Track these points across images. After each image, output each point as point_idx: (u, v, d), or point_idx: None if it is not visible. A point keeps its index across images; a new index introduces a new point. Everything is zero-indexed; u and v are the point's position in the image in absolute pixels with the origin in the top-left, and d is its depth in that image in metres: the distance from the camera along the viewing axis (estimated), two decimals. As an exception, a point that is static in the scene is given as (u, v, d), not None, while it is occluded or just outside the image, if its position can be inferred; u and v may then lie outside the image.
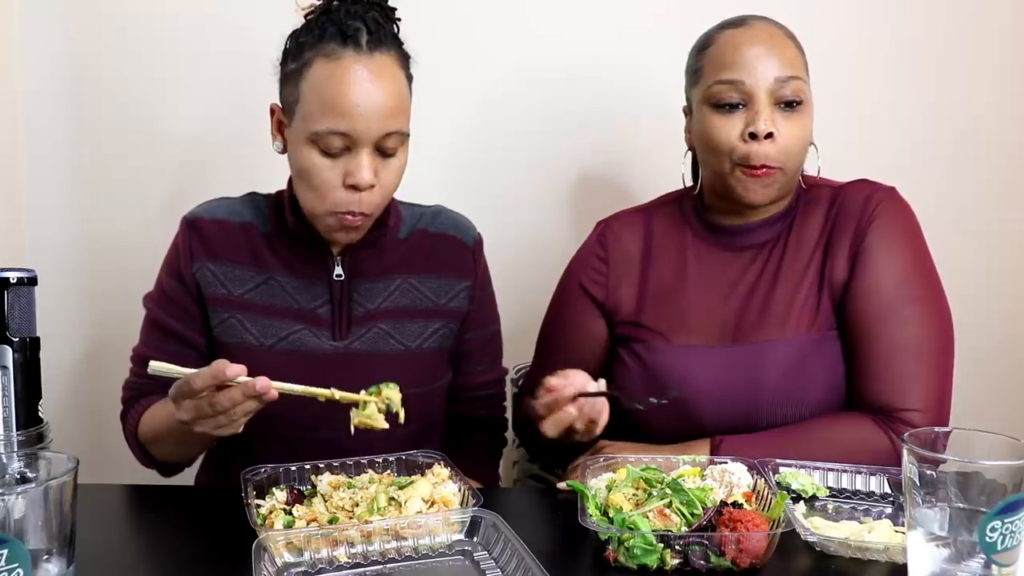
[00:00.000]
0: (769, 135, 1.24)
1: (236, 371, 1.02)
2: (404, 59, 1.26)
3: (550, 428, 1.18)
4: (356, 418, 1.12)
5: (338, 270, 1.32)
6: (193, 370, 1.04)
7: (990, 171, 1.88)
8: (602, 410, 1.18)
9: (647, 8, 1.84)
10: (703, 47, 1.32)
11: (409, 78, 1.27)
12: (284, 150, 1.28)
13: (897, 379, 1.24)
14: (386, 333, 1.33)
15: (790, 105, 1.26)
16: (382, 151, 1.22)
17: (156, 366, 1.05)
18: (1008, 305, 1.91)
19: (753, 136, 1.25)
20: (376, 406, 1.12)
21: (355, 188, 1.21)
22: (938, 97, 1.86)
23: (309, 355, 1.30)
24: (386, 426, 1.13)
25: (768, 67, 1.25)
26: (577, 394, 1.16)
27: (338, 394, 1.10)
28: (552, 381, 1.18)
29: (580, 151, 1.87)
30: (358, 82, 1.18)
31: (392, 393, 1.13)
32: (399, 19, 1.27)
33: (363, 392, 1.13)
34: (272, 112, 1.29)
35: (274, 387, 1.03)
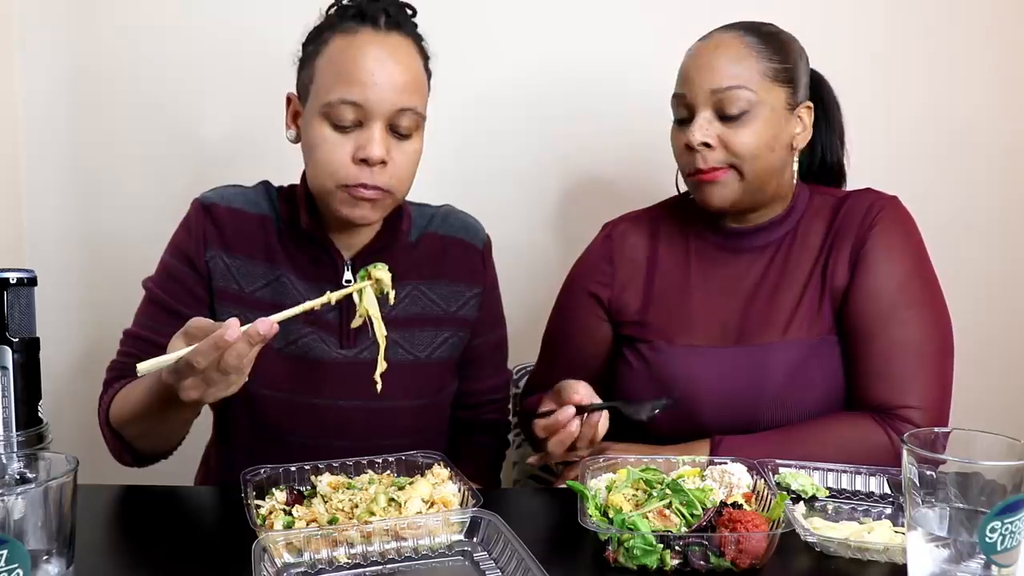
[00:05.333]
0: (706, 144, 1.26)
1: (236, 331, 0.94)
2: (422, 50, 1.25)
3: (554, 448, 1.18)
4: (358, 310, 1.09)
5: (348, 275, 1.29)
6: (184, 350, 0.96)
7: (983, 172, 1.89)
8: (600, 423, 1.18)
9: (649, 10, 1.84)
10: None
11: (427, 70, 1.25)
12: (298, 139, 1.26)
13: (897, 379, 1.25)
14: (394, 343, 1.30)
15: (731, 114, 1.26)
16: (396, 130, 1.20)
17: (144, 366, 0.97)
18: (1006, 306, 1.91)
19: (690, 147, 1.27)
20: (372, 289, 1.09)
21: (365, 163, 1.18)
22: (930, 98, 1.86)
23: (317, 363, 1.27)
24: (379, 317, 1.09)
25: (705, 79, 1.27)
26: (577, 411, 1.16)
27: (334, 296, 1.05)
28: (550, 403, 1.19)
29: (580, 152, 1.88)
30: (373, 54, 1.17)
31: (382, 274, 1.10)
32: (415, 23, 1.26)
33: (355, 281, 1.09)
34: (288, 101, 1.28)
35: (274, 320, 0.97)
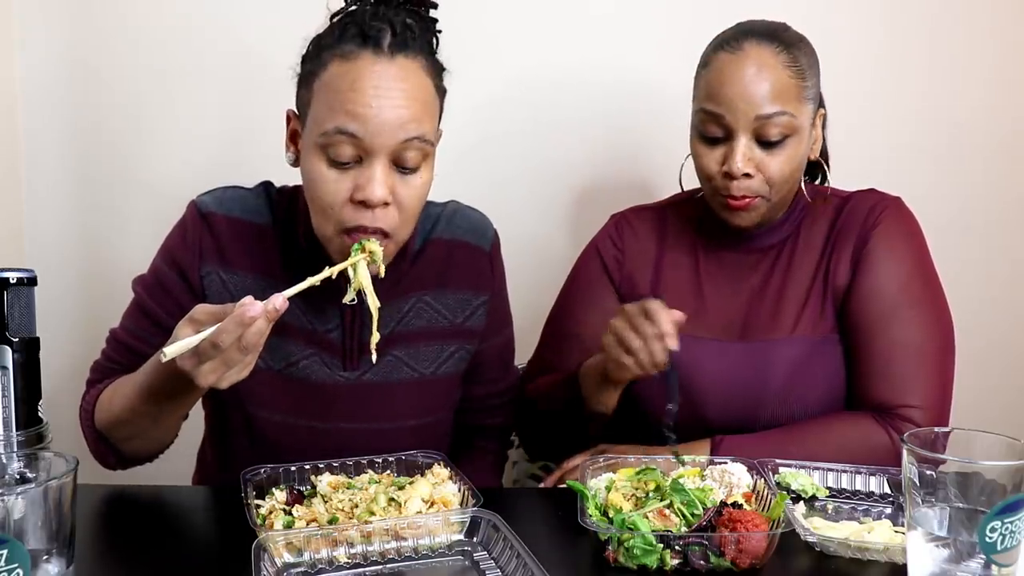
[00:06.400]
0: (746, 174, 1.25)
1: (258, 308, 0.93)
2: (434, 68, 1.15)
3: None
4: (353, 283, 1.10)
5: (351, 294, 1.16)
6: (208, 329, 0.94)
7: (983, 172, 1.88)
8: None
9: (655, 12, 1.83)
10: (703, 65, 1.31)
11: (439, 88, 1.16)
12: (297, 162, 1.18)
13: (897, 378, 1.25)
14: (400, 361, 1.27)
15: (772, 140, 1.25)
16: (400, 165, 1.10)
17: (170, 350, 0.94)
18: (1007, 306, 1.91)
19: (729, 175, 1.26)
20: (365, 262, 1.10)
21: (364, 204, 1.08)
22: (930, 99, 1.86)
23: (318, 387, 1.24)
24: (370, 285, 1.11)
25: (750, 104, 1.23)
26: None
27: (334, 270, 1.05)
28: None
29: (587, 153, 1.87)
30: (374, 83, 1.07)
31: (374, 246, 1.09)
32: (439, 31, 1.17)
33: (351, 255, 1.10)
34: (288, 120, 1.20)
35: (285, 296, 0.97)
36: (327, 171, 1.10)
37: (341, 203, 1.10)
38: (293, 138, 1.19)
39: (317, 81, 1.11)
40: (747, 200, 1.27)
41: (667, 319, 1.14)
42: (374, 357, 1.13)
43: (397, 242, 1.15)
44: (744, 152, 1.25)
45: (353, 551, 0.94)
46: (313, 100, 1.12)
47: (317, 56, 1.13)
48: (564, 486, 1.19)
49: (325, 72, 1.10)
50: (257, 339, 0.95)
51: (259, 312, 0.93)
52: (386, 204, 1.09)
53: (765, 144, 1.25)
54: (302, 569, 0.92)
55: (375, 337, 1.11)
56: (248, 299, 0.94)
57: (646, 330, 1.14)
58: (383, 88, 1.07)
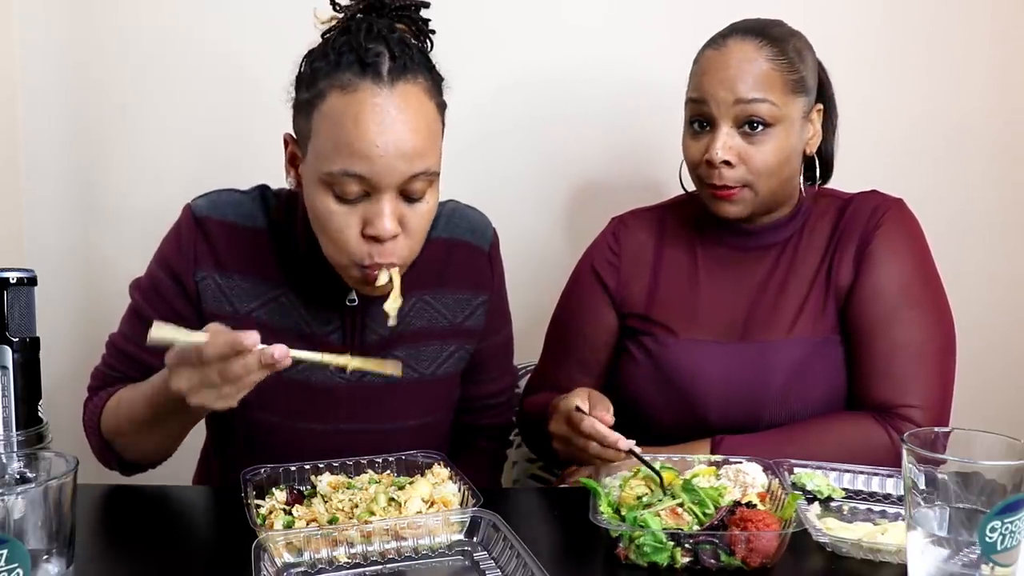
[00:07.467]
0: (726, 162, 1.26)
1: (255, 339, 0.93)
2: (434, 85, 1.12)
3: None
4: (392, 295, 1.11)
5: (352, 294, 1.21)
6: (200, 336, 0.94)
7: (984, 173, 1.88)
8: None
9: (657, 10, 1.83)
10: (693, 63, 1.33)
11: (440, 106, 1.14)
12: (298, 185, 1.16)
13: (898, 378, 1.25)
14: (400, 362, 1.25)
15: (754, 128, 1.26)
16: (407, 196, 1.09)
17: (158, 334, 0.93)
18: (1007, 306, 1.91)
19: (710, 162, 1.27)
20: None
21: (375, 239, 1.08)
22: (930, 99, 1.86)
23: (319, 389, 1.23)
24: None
25: (730, 90, 1.25)
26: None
27: (354, 362, 1.04)
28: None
29: (588, 152, 1.87)
30: (377, 119, 1.05)
31: (395, 279, 1.10)
32: (432, 31, 1.16)
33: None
34: (286, 144, 1.17)
35: (290, 353, 0.95)
36: (335, 206, 1.08)
37: (354, 238, 1.09)
38: (292, 162, 1.17)
39: (316, 112, 1.08)
40: (731, 190, 1.28)
41: (606, 432, 1.10)
42: (392, 321, 1.12)
43: (406, 265, 1.14)
44: (725, 140, 1.26)
45: (353, 551, 0.94)
46: (313, 132, 1.09)
47: (313, 83, 1.10)
48: (564, 486, 1.19)
49: (324, 104, 1.07)
50: (242, 372, 0.94)
51: (252, 343, 0.93)
52: (395, 236, 1.09)
53: (748, 133, 1.26)
54: (302, 569, 0.92)
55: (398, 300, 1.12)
56: (253, 332, 0.94)
57: (591, 448, 1.12)
58: (387, 124, 1.05)
